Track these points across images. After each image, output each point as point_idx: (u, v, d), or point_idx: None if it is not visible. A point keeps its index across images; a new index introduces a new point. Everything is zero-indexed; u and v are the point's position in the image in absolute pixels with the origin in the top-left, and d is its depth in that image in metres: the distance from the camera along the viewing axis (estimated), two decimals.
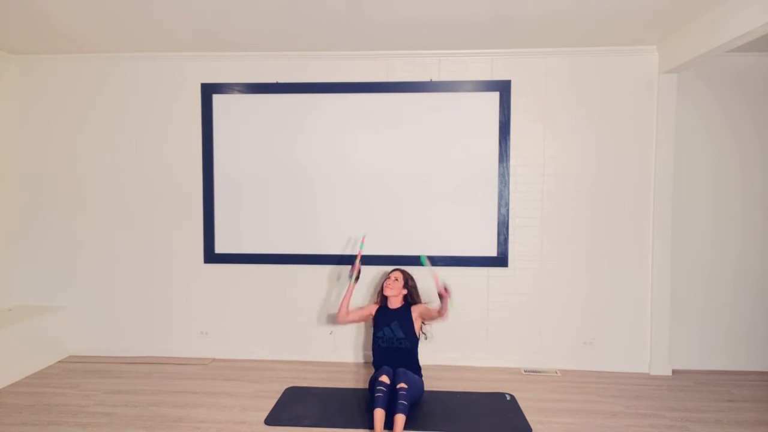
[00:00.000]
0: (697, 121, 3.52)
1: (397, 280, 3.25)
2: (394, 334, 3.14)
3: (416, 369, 3.10)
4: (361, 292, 3.66)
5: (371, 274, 3.64)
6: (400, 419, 2.55)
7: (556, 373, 3.52)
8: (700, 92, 3.51)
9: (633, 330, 3.56)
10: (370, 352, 3.38)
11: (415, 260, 3.58)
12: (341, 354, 3.71)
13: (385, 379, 2.75)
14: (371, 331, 3.29)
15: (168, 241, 3.74)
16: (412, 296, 3.28)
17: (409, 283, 3.29)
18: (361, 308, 3.36)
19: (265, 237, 3.69)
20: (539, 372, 3.52)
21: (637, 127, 3.49)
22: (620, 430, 2.70)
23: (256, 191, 3.67)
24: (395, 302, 3.24)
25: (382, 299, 3.31)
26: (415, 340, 3.17)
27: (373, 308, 3.31)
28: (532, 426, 2.72)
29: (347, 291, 3.33)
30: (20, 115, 3.75)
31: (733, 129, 3.51)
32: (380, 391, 2.68)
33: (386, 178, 3.61)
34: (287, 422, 2.74)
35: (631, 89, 3.48)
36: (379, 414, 2.59)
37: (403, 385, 2.70)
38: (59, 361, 3.68)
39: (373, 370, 3.14)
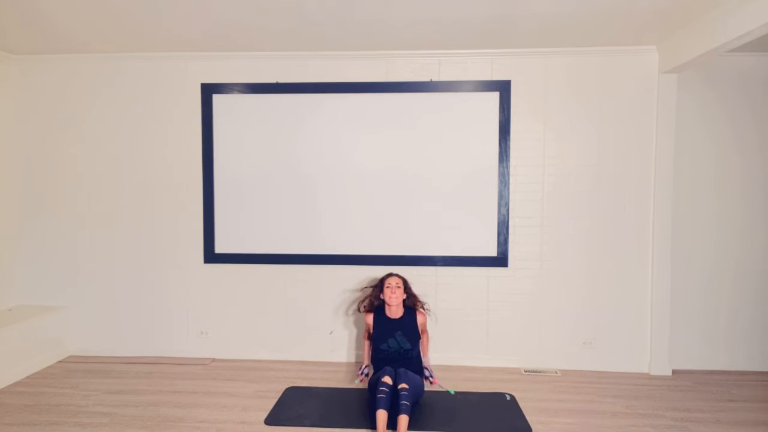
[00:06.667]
0: (697, 121, 3.52)
1: (398, 287, 3.11)
2: (400, 346, 3.04)
3: (419, 371, 3.05)
4: (355, 297, 3.66)
5: (373, 276, 3.64)
6: (403, 420, 2.55)
7: (556, 373, 3.52)
8: (700, 92, 3.51)
9: (633, 330, 3.56)
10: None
11: (414, 260, 3.59)
12: (341, 354, 3.71)
13: (387, 380, 2.73)
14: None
15: (168, 240, 3.74)
16: (411, 299, 3.18)
17: (406, 285, 3.19)
18: (366, 332, 3.25)
19: (265, 237, 3.68)
20: (539, 372, 3.52)
21: (637, 126, 3.49)
22: (620, 430, 2.70)
23: (256, 191, 3.67)
24: (397, 310, 3.11)
25: (378, 306, 3.18)
26: (419, 347, 3.09)
27: (369, 319, 3.16)
28: (532, 426, 2.72)
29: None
30: (20, 115, 3.75)
31: (733, 129, 3.51)
32: (383, 392, 2.66)
33: (386, 177, 3.61)
34: (287, 422, 2.74)
35: (631, 89, 3.48)
36: (382, 415, 2.58)
37: (404, 385, 2.68)
38: (59, 361, 3.68)
39: (373, 373, 3.11)
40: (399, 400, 2.62)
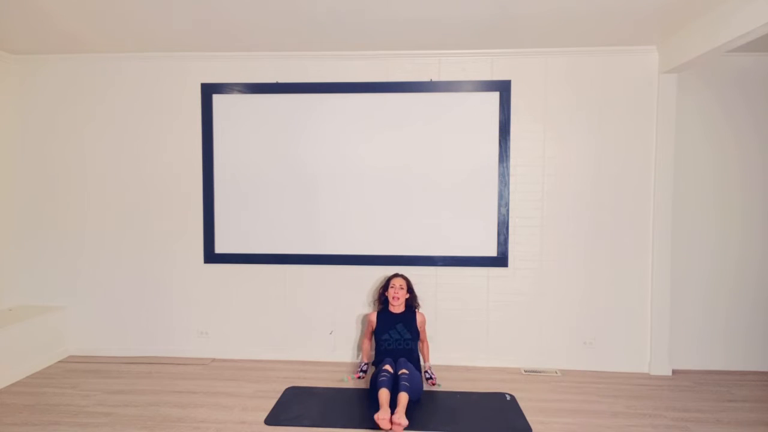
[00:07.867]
0: (697, 121, 3.52)
1: (402, 288, 3.31)
2: (401, 336, 3.21)
3: (418, 368, 3.14)
4: (361, 298, 3.67)
5: (373, 276, 3.64)
6: (404, 396, 2.65)
7: (556, 373, 3.52)
8: (700, 92, 3.51)
9: (633, 330, 3.56)
10: (371, 352, 3.39)
11: (414, 260, 3.59)
12: (341, 354, 3.71)
13: (388, 367, 2.89)
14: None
15: (168, 240, 3.74)
16: (413, 299, 3.39)
17: (410, 285, 3.39)
18: (367, 331, 3.42)
19: (265, 237, 3.68)
20: (539, 372, 3.52)
21: (637, 127, 3.49)
22: (620, 430, 2.70)
23: (256, 191, 3.67)
24: (399, 308, 3.32)
25: (383, 303, 3.38)
26: (417, 342, 3.26)
27: (373, 317, 3.35)
28: (532, 426, 2.72)
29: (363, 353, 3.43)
30: (20, 115, 3.75)
31: (733, 129, 3.51)
32: (384, 376, 2.81)
33: (386, 177, 3.61)
34: (287, 422, 2.74)
35: (631, 89, 3.48)
36: (384, 392, 2.70)
37: (404, 371, 2.84)
38: (59, 361, 3.68)
39: (374, 370, 3.15)
40: (399, 381, 2.75)
